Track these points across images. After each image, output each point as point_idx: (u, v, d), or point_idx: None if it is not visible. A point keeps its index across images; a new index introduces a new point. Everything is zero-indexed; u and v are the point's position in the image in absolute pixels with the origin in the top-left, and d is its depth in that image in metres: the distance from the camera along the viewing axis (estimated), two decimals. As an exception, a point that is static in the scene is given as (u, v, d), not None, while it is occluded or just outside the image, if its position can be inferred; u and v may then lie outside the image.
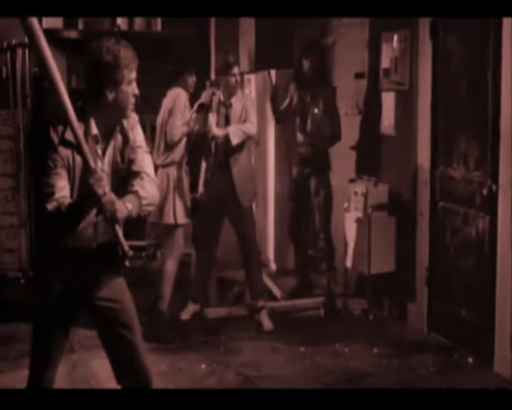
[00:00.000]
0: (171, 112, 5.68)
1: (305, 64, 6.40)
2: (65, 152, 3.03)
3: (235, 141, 5.75)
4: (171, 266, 5.71)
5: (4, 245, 6.82)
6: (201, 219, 6.00)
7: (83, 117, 3.05)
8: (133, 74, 3.12)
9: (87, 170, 2.97)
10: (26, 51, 6.74)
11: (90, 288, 3.22)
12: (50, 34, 7.92)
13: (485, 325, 5.04)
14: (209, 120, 5.71)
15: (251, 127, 5.85)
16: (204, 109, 5.79)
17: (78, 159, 3.04)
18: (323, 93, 6.39)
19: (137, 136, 3.24)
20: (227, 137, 5.75)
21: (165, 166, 5.67)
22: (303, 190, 6.52)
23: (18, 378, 3.44)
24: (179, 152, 5.73)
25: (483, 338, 5.07)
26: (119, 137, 3.18)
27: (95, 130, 3.08)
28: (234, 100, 5.85)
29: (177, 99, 5.69)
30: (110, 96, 3.07)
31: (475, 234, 5.21)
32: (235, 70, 5.83)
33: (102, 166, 3.05)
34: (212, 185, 5.91)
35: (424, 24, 5.64)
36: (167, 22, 9.13)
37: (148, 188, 3.18)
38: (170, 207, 5.65)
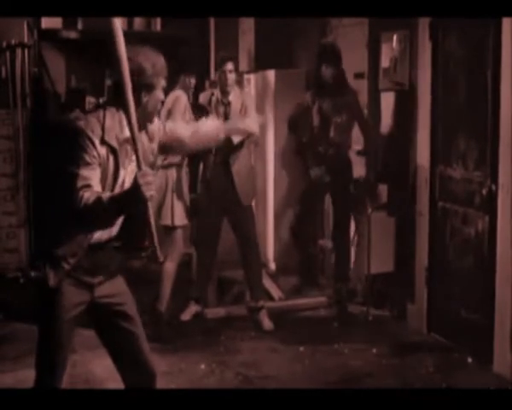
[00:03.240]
0: (170, 113, 5.68)
1: (326, 71, 6.04)
2: (102, 151, 3.08)
3: (236, 139, 5.75)
4: (170, 267, 5.71)
5: (3, 245, 6.82)
6: (202, 220, 5.99)
7: (116, 118, 3.14)
8: (164, 82, 3.28)
9: (138, 170, 3.04)
10: (26, 51, 6.74)
11: (95, 286, 3.22)
12: (50, 34, 7.96)
13: (485, 325, 5.04)
14: None
15: (252, 124, 5.84)
16: (202, 111, 5.78)
17: (111, 161, 3.11)
18: (346, 100, 6.09)
19: (159, 123, 3.44)
20: (228, 137, 5.74)
21: (164, 167, 5.67)
22: (319, 195, 6.33)
23: (18, 378, 3.44)
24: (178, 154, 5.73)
25: (483, 338, 5.07)
26: (144, 137, 3.28)
27: (127, 132, 3.14)
28: (232, 98, 5.83)
29: (176, 101, 5.70)
30: (144, 99, 3.20)
31: (475, 234, 5.22)
32: (230, 66, 5.79)
33: (152, 171, 3.13)
34: (212, 185, 5.91)
35: (424, 24, 5.64)
36: (167, 22, 9.16)
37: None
38: (168, 209, 5.65)
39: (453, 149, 5.44)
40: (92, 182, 3.02)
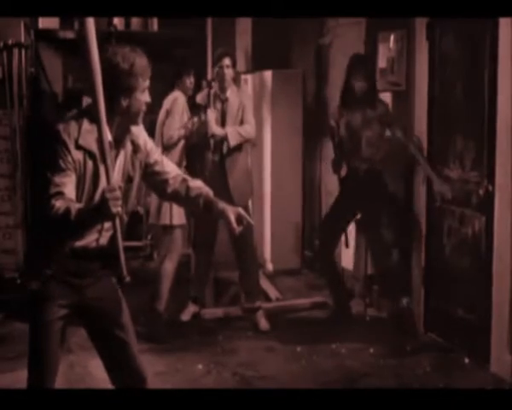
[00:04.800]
0: (168, 114, 5.70)
1: (357, 83, 5.69)
2: (78, 156, 3.01)
3: (232, 143, 5.75)
4: (168, 267, 5.71)
5: (0, 246, 6.82)
6: (199, 220, 5.99)
7: (94, 122, 3.02)
8: (147, 83, 3.13)
9: (107, 184, 2.96)
10: (23, 51, 6.74)
11: (84, 288, 3.21)
12: (47, 34, 7.96)
13: (482, 325, 5.05)
14: (208, 117, 5.69)
15: (250, 130, 5.84)
16: (200, 109, 5.77)
17: (90, 165, 3.03)
18: (377, 112, 5.73)
19: (148, 142, 3.29)
20: (225, 138, 5.75)
21: None
22: (347, 213, 5.93)
23: (16, 378, 3.44)
24: (176, 154, 5.73)
25: (480, 338, 5.08)
26: (128, 145, 3.19)
27: (109, 136, 3.05)
28: (230, 94, 5.83)
29: (174, 102, 5.71)
30: (124, 103, 3.07)
31: (472, 234, 5.22)
32: (227, 61, 5.78)
33: (113, 173, 3.04)
34: (208, 185, 5.89)
35: (421, 24, 5.64)
36: (164, 23, 9.15)
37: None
38: (166, 208, 5.66)
39: (450, 149, 5.44)
40: (65, 189, 2.95)
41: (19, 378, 3.33)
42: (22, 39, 6.79)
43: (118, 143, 3.13)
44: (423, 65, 5.67)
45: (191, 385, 4.81)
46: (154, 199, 5.75)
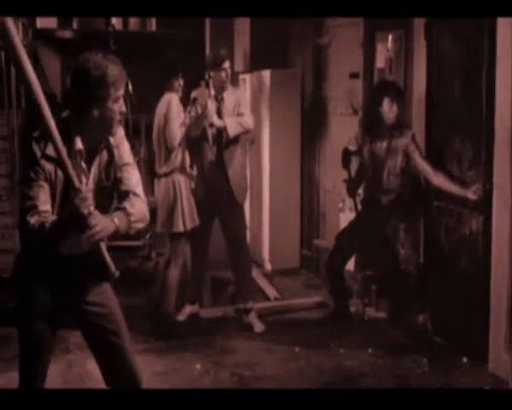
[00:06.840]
0: (166, 118, 5.62)
1: (386, 112, 5.51)
2: (47, 166, 2.99)
3: (232, 133, 5.72)
4: (174, 273, 5.68)
5: (-1, 245, 6.80)
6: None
7: (67, 131, 2.99)
8: (120, 92, 3.06)
9: (72, 189, 2.94)
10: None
11: (75, 292, 3.21)
12: (45, 34, 7.96)
13: (480, 325, 5.05)
14: (208, 106, 5.68)
15: (248, 121, 5.82)
16: (195, 103, 5.74)
17: (60, 174, 3.01)
18: (403, 143, 5.49)
19: (124, 153, 3.21)
20: (223, 131, 5.73)
21: (168, 174, 5.64)
22: (370, 233, 5.71)
23: (13, 379, 3.44)
24: (179, 157, 5.68)
25: (478, 338, 5.08)
26: (104, 154, 3.14)
27: (79, 145, 3.03)
28: (225, 94, 5.83)
29: (170, 104, 5.65)
30: (95, 112, 3.03)
31: (469, 234, 5.22)
32: (226, 64, 5.77)
33: (87, 183, 3.04)
34: (206, 182, 5.88)
35: (419, 24, 5.64)
36: (162, 23, 9.16)
37: (138, 205, 3.15)
38: (179, 215, 5.62)
39: (448, 148, 5.44)
40: (38, 202, 2.96)
41: (16, 379, 3.33)
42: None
43: (92, 152, 3.09)
44: (421, 65, 5.67)
45: (189, 385, 4.81)
46: (160, 207, 5.71)
